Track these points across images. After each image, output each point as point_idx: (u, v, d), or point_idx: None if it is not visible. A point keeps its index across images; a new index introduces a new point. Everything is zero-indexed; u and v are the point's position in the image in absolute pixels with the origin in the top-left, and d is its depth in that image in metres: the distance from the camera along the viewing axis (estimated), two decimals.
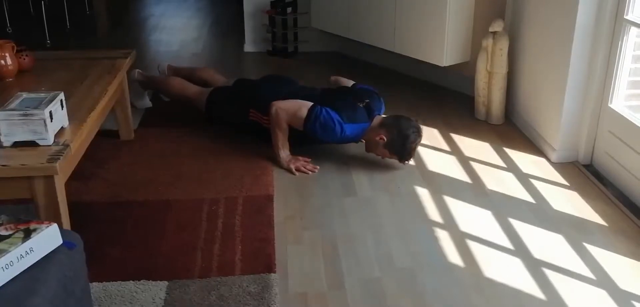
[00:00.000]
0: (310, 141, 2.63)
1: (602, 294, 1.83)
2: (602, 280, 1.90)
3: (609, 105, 2.49)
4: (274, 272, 1.89)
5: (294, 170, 2.56)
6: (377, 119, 2.59)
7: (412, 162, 2.61)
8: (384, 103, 2.75)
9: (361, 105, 2.58)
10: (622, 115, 2.41)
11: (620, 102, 2.48)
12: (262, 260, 1.95)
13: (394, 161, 2.61)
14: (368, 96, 2.66)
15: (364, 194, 2.41)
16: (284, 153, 2.60)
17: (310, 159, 2.62)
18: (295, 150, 2.63)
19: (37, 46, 3.21)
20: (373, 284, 1.86)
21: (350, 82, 2.91)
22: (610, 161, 2.50)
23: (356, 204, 2.33)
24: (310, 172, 2.56)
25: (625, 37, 2.39)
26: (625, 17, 2.36)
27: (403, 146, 2.49)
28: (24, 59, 2.45)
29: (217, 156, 2.69)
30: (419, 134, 2.52)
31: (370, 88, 2.80)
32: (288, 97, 2.64)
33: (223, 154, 2.71)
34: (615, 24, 2.42)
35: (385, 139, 2.50)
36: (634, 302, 1.80)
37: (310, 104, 2.53)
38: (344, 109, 2.53)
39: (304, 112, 2.51)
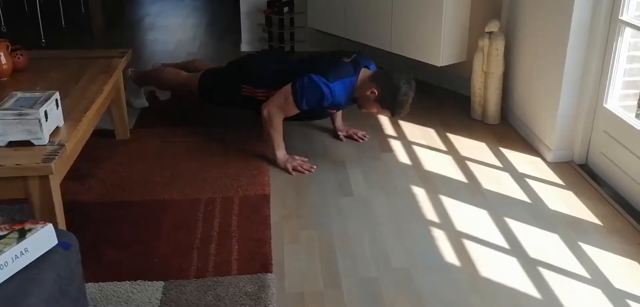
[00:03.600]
0: (310, 117, 2.56)
1: (597, 293, 1.84)
2: (597, 279, 1.90)
3: (604, 105, 2.50)
4: (271, 272, 1.89)
5: (290, 169, 2.55)
6: (366, 72, 2.52)
7: (405, 116, 2.51)
8: (374, 62, 2.67)
9: (347, 60, 2.54)
10: (617, 115, 2.42)
11: (615, 102, 2.49)
12: (258, 260, 1.95)
13: (391, 160, 2.62)
14: (356, 53, 2.61)
15: (361, 193, 2.41)
16: (281, 153, 2.60)
17: (307, 159, 2.62)
18: (294, 147, 2.63)
19: (31, 45, 3.19)
20: (370, 283, 1.87)
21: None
22: (605, 161, 2.51)
23: (353, 204, 2.33)
24: (307, 172, 2.56)
25: (620, 38, 2.40)
26: (620, 17, 2.37)
27: (394, 99, 2.43)
28: (19, 58, 2.43)
29: (213, 155, 2.69)
30: (411, 86, 2.45)
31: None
32: (277, 68, 2.64)
33: (219, 153, 2.71)
34: (610, 25, 2.43)
35: (376, 93, 2.45)
36: (629, 301, 1.80)
37: (290, 83, 2.47)
38: (328, 70, 2.47)
39: (290, 95, 2.47)
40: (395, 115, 2.52)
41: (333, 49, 2.73)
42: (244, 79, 2.70)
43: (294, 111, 2.50)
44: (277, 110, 2.52)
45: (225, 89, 2.78)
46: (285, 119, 2.57)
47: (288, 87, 2.48)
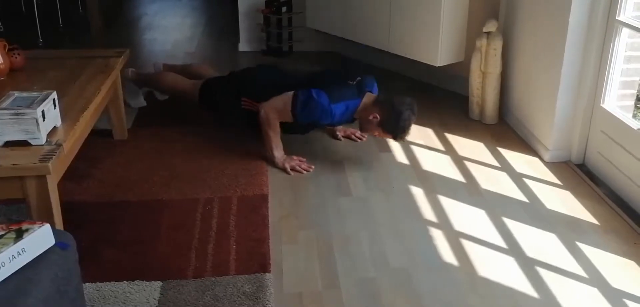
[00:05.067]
0: (305, 130, 2.60)
1: (594, 292, 1.85)
2: (595, 278, 1.91)
3: (601, 105, 2.51)
4: (269, 272, 1.89)
5: (289, 169, 2.55)
6: (369, 97, 2.55)
7: (407, 138, 2.55)
8: (376, 84, 2.69)
9: (352, 82, 2.56)
10: (614, 115, 2.43)
11: (612, 102, 2.50)
12: (256, 260, 1.95)
13: (389, 160, 2.61)
14: (360, 75, 2.63)
15: (359, 193, 2.41)
16: (279, 153, 2.60)
17: (305, 159, 2.62)
18: (292, 147, 2.63)
19: (29, 45, 3.18)
20: (368, 283, 1.87)
21: None
22: (603, 161, 2.51)
23: (351, 204, 2.33)
24: (305, 172, 2.56)
25: (617, 38, 2.41)
26: (617, 17, 2.38)
27: (397, 124, 2.45)
28: (16, 57, 2.43)
29: (212, 155, 2.68)
30: (412, 110, 2.48)
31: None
32: (279, 83, 2.64)
33: (217, 153, 2.70)
34: (607, 25, 2.43)
35: (379, 118, 2.47)
36: (626, 300, 1.81)
37: (292, 93, 2.49)
38: (331, 90, 2.49)
39: (289, 105, 2.48)
40: (397, 139, 2.56)
41: (335, 68, 2.77)
42: (245, 92, 2.71)
43: (289, 119, 2.52)
44: (274, 112, 2.53)
45: (226, 101, 2.80)
46: (285, 131, 2.60)
47: (289, 96, 2.49)
